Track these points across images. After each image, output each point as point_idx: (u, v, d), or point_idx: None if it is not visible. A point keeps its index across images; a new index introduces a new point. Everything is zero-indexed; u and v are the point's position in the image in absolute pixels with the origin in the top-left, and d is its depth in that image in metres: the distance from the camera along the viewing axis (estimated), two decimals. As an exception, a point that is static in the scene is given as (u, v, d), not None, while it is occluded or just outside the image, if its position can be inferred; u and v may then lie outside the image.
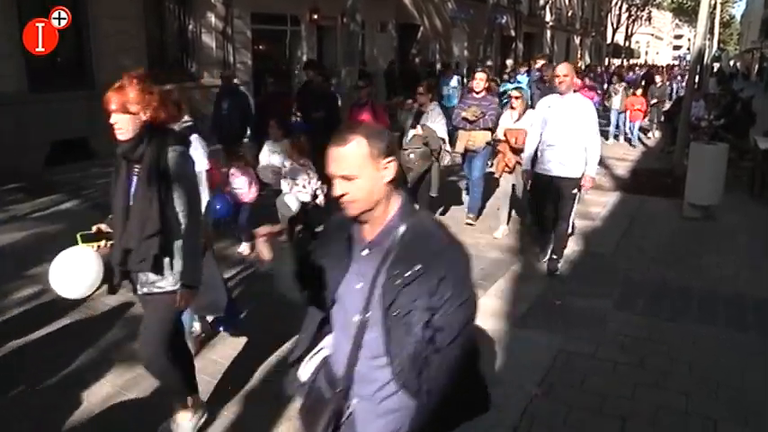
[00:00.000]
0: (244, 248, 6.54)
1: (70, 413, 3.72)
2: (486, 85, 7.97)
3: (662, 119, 16.87)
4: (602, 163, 12.20)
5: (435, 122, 7.03)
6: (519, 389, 3.99)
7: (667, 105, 17.56)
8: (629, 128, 15.59)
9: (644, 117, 16.08)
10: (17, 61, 10.05)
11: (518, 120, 7.06)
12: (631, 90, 15.94)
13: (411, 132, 7.02)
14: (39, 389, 3.99)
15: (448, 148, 7.16)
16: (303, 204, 6.22)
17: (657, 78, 18.26)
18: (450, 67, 18.31)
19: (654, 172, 11.39)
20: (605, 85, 18.59)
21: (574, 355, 4.46)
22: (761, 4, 54.27)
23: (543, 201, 6.12)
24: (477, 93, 7.67)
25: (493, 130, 7.42)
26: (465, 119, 7.45)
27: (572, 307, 5.33)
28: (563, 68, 5.76)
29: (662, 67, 38.42)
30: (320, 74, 8.99)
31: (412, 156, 6.95)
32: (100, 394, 3.91)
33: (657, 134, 16.85)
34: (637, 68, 27.40)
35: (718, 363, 4.39)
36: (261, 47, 16.48)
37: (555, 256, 6.10)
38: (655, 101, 16.95)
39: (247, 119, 8.73)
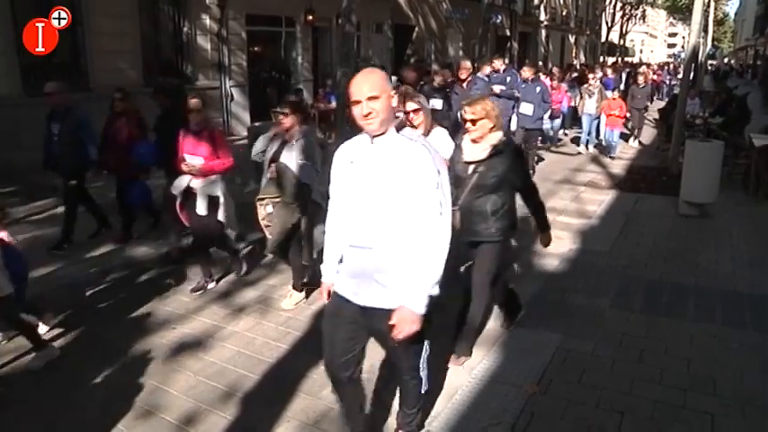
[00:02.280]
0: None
1: (68, 413, 3.72)
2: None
3: (639, 129, 14.98)
4: (597, 162, 12.30)
5: (302, 159, 4.93)
6: (518, 386, 4.01)
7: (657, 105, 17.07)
8: (608, 136, 12.98)
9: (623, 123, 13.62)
10: (11, 62, 10.03)
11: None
12: (611, 92, 13.63)
13: (268, 173, 5.19)
14: (36, 392, 3.99)
15: (316, 196, 5.05)
16: None
17: (640, 79, 15.03)
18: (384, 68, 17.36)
19: (649, 170, 11.43)
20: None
21: (572, 353, 4.47)
22: (754, 1, 54.45)
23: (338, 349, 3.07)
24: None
25: None
26: None
27: (570, 304, 5.34)
28: (365, 85, 2.76)
29: (647, 64, 37.34)
30: (159, 91, 6.80)
31: (269, 208, 5.18)
32: (98, 398, 3.91)
33: (637, 143, 14.85)
34: (621, 67, 25.58)
35: (716, 359, 4.41)
36: (256, 48, 16.49)
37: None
38: (642, 105, 14.51)
39: (81, 147, 6.62)
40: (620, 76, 20.02)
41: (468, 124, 4.01)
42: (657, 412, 3.75)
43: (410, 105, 4.64)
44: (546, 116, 12.31)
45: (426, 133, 4.55)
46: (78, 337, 4.72)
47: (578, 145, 13.92)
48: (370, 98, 2.71)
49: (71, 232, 6.78)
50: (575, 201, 9.09)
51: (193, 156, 5.36)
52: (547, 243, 4.47)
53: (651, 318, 5.08)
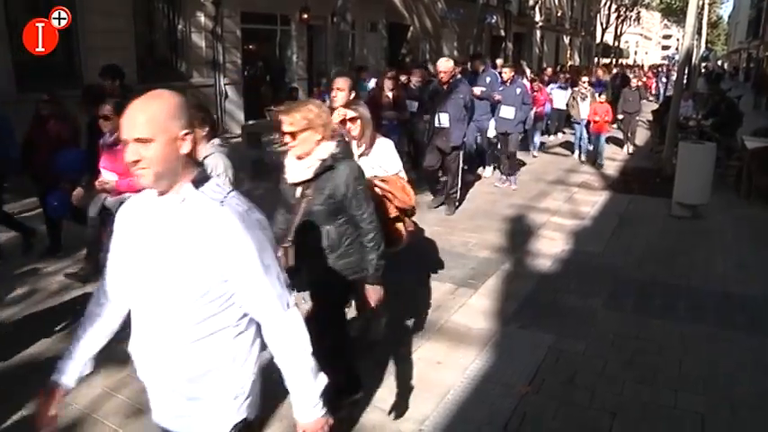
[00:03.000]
0: None
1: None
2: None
3: (632, 134, 14.10)
4: (590, 163, 12.31)
5: None
6: (510, 387, 4.02)
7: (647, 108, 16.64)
8: (594, 142, 12.32)
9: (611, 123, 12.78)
10: (4, 60, 9.99)
11: (365, 152, 4.12)
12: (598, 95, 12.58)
13: None
14: (26, 389, 3.96)
15: None
16: None
17: (633, 81, 14.53)
18: (366, 68, 14.81)
19: (643, 171, 11.47)
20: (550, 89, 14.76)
21: (564, 353, 4.48)
22: (747, 4, 54.72)
23: None
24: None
25: None
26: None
27: (562, 305, 5.36)
28: (136, 118, 1.79)
29: (638, 66, 36.66)
30: (84, 95, 6.16)
31: None
32: (88, 395, 3.89)
33: (631, 149, 13.98)
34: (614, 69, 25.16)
35: (707, 360, 4.43)
36: (251, 46, 16.46)
37: None
38: (634, 109, 13.68)
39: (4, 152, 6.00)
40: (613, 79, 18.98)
41: (288, 138, 3.12)
42: (649, 412, 3.77)
43: (342, 112, 3.99)
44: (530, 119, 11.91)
45: (369, 146, 4.10)
46: (69, 335, 4.69)
47: (572, 151, 13.18)
48: (139, 140, 1.78)
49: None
50: (568, 201, 9.11)
51: (108, 171, 4.71)
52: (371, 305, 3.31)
53: (643, 318, 5.10)
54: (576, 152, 12.99)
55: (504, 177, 10.02)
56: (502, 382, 4.08)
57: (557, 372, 4.23)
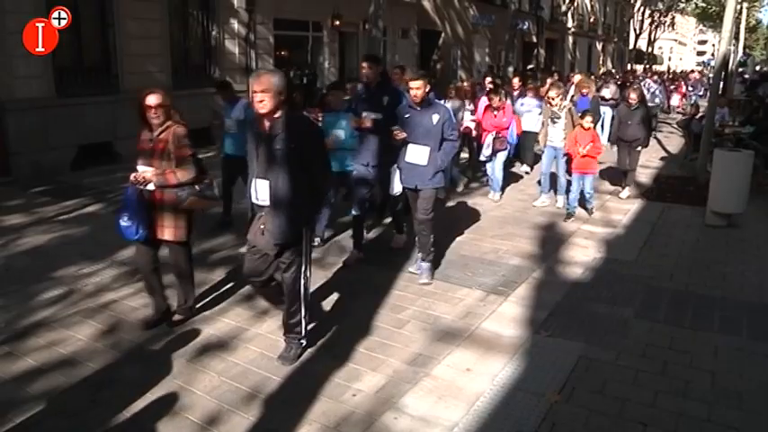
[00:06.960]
0: None
1: (93, 411, 3.78)
2: None
3: (631, 172, 9.84)
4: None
5: None
6: (539, 395, 3.99)
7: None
8: (576, 185, 8.34)
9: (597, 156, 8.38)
10: (45, 65, 10.24)
11: None
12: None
13: None
14: (63, 390, 4.05)
15: None
16: None
17: (632, 96, 9.63)
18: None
19: (676, 179, 11.29)
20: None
21: (595, 362, 4.44)
22: (787, 9, 53.62)
23: None
24: None
25: None
26: None
27: (593, 314, 5.30)
28: None
29: (650, 73, 33.62)
30: None
31: None
32: (123, 395, 3.97)
33: (627, 192, 9.82)
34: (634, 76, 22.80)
35: (741, 372, 4.34)
36: (283, 52, 16.65)
37: None
38: (634, 136, 9.48)
39: None
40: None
41: None
42: (681, 425, 3.71)
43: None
44: (486, 151, 9.09)
45: None
46: (103, 336, 4.79)
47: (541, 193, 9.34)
48: None
49: None
50: (600, 210, 9.00)
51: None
52: None
53: (675, 329, 5.03)
54: (544, 195, 9.18)
55: (420, 263, 6.08)
56: (531, 390, 4.06)
57: (587, 381, 4.20)
